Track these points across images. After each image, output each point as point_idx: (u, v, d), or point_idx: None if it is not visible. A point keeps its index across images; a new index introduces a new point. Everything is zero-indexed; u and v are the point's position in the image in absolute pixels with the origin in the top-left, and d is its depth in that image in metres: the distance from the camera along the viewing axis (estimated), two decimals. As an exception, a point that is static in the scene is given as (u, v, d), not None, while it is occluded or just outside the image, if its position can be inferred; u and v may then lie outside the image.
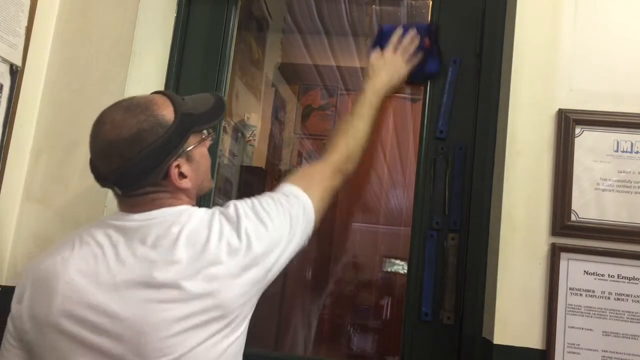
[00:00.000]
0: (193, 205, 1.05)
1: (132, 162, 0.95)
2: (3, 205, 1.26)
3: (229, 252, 0.96)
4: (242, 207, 1.03)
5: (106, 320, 0.92)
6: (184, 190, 1.02)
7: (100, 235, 0.99)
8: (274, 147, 2.82)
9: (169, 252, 0.94)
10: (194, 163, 1.03)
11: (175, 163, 0.99)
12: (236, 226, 0.99)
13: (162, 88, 1.56)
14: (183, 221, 0.97)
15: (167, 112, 0.99)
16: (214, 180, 1.57)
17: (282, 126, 2.95)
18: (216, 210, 1.03)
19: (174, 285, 0.92)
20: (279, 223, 1.03)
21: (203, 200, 1.54)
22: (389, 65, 1.38)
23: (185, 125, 1.00)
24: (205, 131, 1.07)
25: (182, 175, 1.00)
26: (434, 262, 1.39)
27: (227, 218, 1.00)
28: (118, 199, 1.03)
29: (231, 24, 1.63)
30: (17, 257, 1.33)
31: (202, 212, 1.02)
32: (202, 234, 0.96)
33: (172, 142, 0.98)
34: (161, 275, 0.92)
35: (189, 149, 1.01)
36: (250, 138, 2.43)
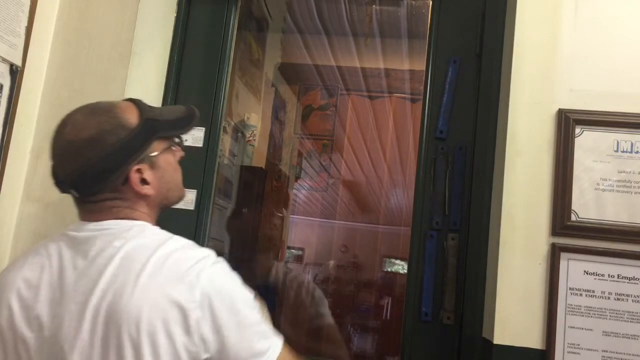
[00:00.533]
0: (154, 221, 0.99)
1: (90, 163, 0.92)
2: (3, 205, 1.25)
3: (167, 285, 0.85)
4: (219, 263, 0.92)
5: (36, 335, 0.89)
6: (144, 199, 0.97)
7: (52, 247, 0.95)
8: (274, 147, 2.82)
9: (100, 271, 0.88)
10: (158, 170, 0.98)
11: (137, 167, 0.95)
12: (191, 261, 0.88)
13: (162, 88, 1.56)
14: (129, 236, 0.91)
15: (131, 116, 0.96)
16: (213, 179, 1.57)
17: (282, 126, 2.95)
18: (179, 239, 0.94)
19: (97, 309, 0.86)
20: (249, 313, 0.90)
21: (203, 203, 1.53)
22: None
23: (149, 129, 0.97)
24: (175, 139, 1.03)
25: (144, 182, 0.96)
26: (434, 262, 1.39)
27: (187, 247, 0.92)
28: (78, 207, 0.99)
29: (231, 24, 1.63)
30: (17, 257, 1.32)
31: (160, 233, 0.95)
32: (142, 255, 0.88)
33: (133, 145, 0.95)
34: (88, 294, 0.87)
35: (152, 154, 0.97)
36: (250, 138, 2.42)
